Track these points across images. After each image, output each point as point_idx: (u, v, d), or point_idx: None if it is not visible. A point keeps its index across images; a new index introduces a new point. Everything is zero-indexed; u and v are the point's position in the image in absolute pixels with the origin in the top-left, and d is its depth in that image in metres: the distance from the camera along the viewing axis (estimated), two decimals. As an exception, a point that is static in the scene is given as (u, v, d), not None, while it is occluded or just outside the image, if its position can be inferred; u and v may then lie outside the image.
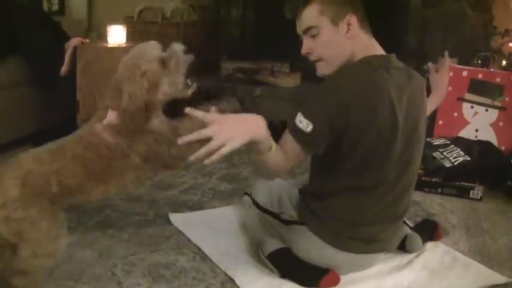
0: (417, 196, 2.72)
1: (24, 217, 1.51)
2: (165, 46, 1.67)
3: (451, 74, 3.45)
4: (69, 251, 1.82)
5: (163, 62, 1.59)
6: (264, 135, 1.50)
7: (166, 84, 1.60)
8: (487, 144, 3.10)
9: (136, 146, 1.63)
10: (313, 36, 1.73)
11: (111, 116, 1.60)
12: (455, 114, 3.43)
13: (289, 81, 3.85)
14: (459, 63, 3.65)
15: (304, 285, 1.79)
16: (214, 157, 1.36)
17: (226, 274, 1.84)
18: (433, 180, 2.82)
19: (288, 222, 1.88)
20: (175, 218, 2.26)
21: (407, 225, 2.11)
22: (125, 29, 3.45)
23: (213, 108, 1.48)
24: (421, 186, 2.80)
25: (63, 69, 3.14)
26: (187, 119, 1.62)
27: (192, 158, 1.35)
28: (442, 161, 2.88)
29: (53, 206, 1.57)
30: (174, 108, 1.73)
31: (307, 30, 1.73)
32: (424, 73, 2.13)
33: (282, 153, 1.60)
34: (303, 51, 1.77)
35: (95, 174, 1.63)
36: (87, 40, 3.31)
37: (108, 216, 2.27)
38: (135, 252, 1.97)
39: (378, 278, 1.88)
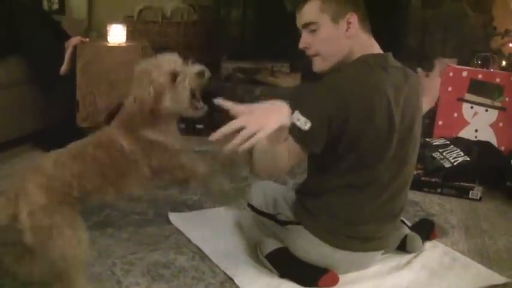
0: (417, 196, 2.72)
1: (51, 224, 1.52)
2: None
3: (451, 74, 3.46)
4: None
5: (174, 77, 1.60)
6: (289, 122, 1.47)
7: (168, 99, 1.62)
8: (486, 144, 3.10)
9: (151, 158, 1.67)
10: (312, 31, 1.73)
11: None
12: (455, 114, 3.43)
13: (289, 81, 3.85)
14: (459, 64, 3.66)
15: (303, 285, 1.79)
16: (246, 145, 1.35)
17: (225, 274, 1.84)
18: (433, 180, 2.82)
19: (284, 223, 1.88)
20: (175, 218, 2.26)
21: (406, 225, 2.11)
22: (125, 29, 3.45)
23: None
24: (420, 186, 2.80)
25: (63, 68, 3.14)
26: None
27: (227, 148, 1.35)
28: (441, 161, 2.88)
29: (73, 210, 1.58)
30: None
31: (306, 25, 1.73)
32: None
33: (287, 149, 1.60)
34: (301, 45, 1.77)
35: (110, 178, 1.65)
36: (87, 39, 3.31)
37: (107, 215, 2.27)
38: (135, 252, 1.97)
39: (377, 278, 1.88)
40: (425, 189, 2.81)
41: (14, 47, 3.18)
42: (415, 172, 2.80)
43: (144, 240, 2.06)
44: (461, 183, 2.78)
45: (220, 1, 4.40)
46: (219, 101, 1.38)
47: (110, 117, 3.35)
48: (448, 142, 3.07)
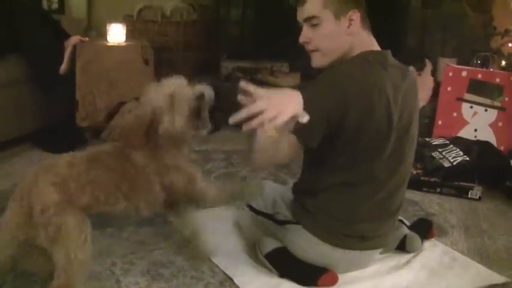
0: (416, 196, 2.73)
1: (62, 223, 1.53)
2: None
3: (451, 74, 3.46)
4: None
5: (172, 100, 1.63)
6: (301, 111, 1.46)
7: (166, 122, 1.64)
8: (486, 144, 3.10)
9: (163, 176, 1.70)
10: (313, 26, 1.72)
11: None
12: (455, 114, 3.44)
13: (288, 80, 3.86)
14: (459, 63, 3.66)
15: (302, 285, 1.79)
16: (266, 128, 1.36)
17: (224, 273, 1.85)
18: (432, 180, 2.82)
19: (282, 223, 1.88)
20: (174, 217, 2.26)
21: (405, 224, 2.11)
22: (125, 28, 3.46)
23: None
24: (420, 186, 2.80)
25: (63, 67, 3.14)
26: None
27: (244, 128, 1.36)
28: (441, 160, 2.88)
29: (81, 211, 1.60)
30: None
31: (308, 19, 1.73)
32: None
33: (288, 141, 1.60)
34: (301, 39, 1.77)
35: (121, 189, 1.66)
36: (87, 38, 3.31)
37: (106, 215, 2.26)
38: (134, 251, 1.97)
39: (377, 278, 1.88)
40: (424, 189, 2.81)
41: (13, 47, 3.17)
42: (414, 172, 2.83)
43: (143, 239, 2.06)
44: (460, 183, 2.78)
45: (220, 0, 4.40)
46: (243, 84, 1.40)
47: (110, 116, 3.36)
48: (447, 142, 3.07)
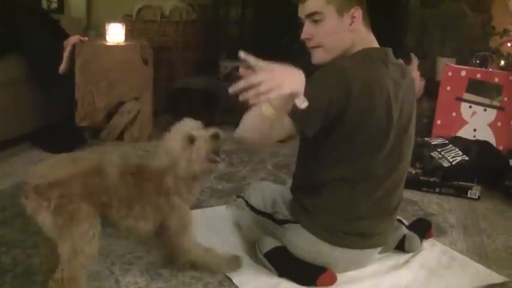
0: (415, 196, 2.73)
1: (73, 211, 1.54)
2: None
3: (450, 73, 3.46)
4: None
5: (191, 141, 1.65)
6: (301, 90, 1.44)
7: (183, 162, 1.65)
8: (485, 144, 3.11)
9: (164, 213, 1.72)
10: (316, 22, 1.72)
11: None
12: (454, 114, 3.44)
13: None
14: (458, 63, 3.67)
15: (301, 284, 1.79)
16: (262, 99, 1.36)
17: (224, 273, 1.85)
18: (431, 179, 2.82)
19: (281, 222, 1.88)
20: (174, 217, 2.26)
21: (404, 224, 2.11)
22: (124, 27, 3.46)
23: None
24: (419, 185, 2.81)
25: (62, 67, 3.14)
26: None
27: (241, 97, 1.36)
28: (440, 160, 2.89)
29: (95, 208, 1.61)
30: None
31: (310, 15, 1.72)
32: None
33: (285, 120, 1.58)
34: (303, 36, 1.76)
35: (133, 209, 1.68)
36: (86, 38, 3.32)
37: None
38: (133, 251, 1.97)
39: (376, 277, 1.88)
40: (423, 189, 2.81)
41: (13, 46, 3.18)
42: (413, 171, 2.83)
43: (142, 239, 2.06)
44: (459, 183, 2.78)
45: (219, 0, 4.40)
46: (243, 55, 1.39)
47: (109, 116, 3.37)
48: (446, 141, 3.07)
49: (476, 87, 3.40)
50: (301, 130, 1.62)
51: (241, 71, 1.40)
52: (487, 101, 3.37)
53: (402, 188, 1.87)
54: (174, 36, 4.03)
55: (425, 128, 3.46)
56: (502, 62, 3.54)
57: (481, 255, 2.11)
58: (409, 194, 2.68)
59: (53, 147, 2.99)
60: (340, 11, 1.70)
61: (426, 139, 3.16)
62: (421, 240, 2.10)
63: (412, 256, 2.04)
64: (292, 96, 1.40)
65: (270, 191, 2.01)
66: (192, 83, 4.05)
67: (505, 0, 3.59)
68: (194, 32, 4.18)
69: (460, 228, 2.37)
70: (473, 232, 2.34)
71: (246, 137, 1.62)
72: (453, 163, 2.85)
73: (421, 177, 2.84)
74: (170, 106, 3.89)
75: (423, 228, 2.19)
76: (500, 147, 3.26)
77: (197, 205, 2.41)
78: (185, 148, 1.65)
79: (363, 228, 1.77)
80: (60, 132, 3.15)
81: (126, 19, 3.92)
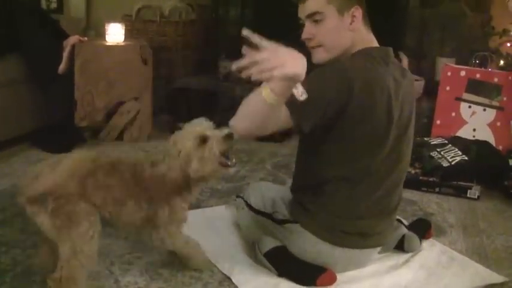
0: (415, 195, 2.73)
1: (72, 212, 1.54)
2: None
3: (449, 73, 3.46)
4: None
5: (203, 141, 1.62)
6: (302, 76, 1.42)
7: (196, 162, 1.62)
8: (484, 144, 3.11)
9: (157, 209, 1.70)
10: (316, 22, 1.73)
11: None
12: (453, 113, 3.44)
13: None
14: (457, 63, 3.67)
15: (301, 284, 1.79)
16: (265, 75, 1.35)
17: (223, 273, 1.84)
18: (431, 179, 2.83)
19: (281, 222, 1.88)
20: (173, 217, 2.26)
21: (404, 224, 2.11)
22: (123, 27, 3.46)
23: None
24: (418, 185, 2.81)
25: (61, 67, 3.14)
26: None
27: (244, 74, 1.37)
28: (439, 160, 2.89)
29: (93, 207, 1.61)
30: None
31: (311, 15, 1.73)
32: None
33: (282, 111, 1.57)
34: (304, 36, 1.77)
35: (127, 206, 1.67)
36: (86, 38, 3.32)
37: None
38: (133, 251, 1.97)
39: (375, 277, 1.88)
40: (423, 189, 2.81)
41: (13, 46, 3.18)
42: (413, 171, 2.83)
43: (142, 239, 2.06)
44: (459, 183, 2.78)
45: (219, 0, 4.40)
46: (247, 32, 1.39)
47: (108, 116, 3.37)
48: (446, 141, 3.07)
49: (475, 87, 3.40)
50: (297, 123, 1.60)
51: (245, 49, 1.38)
52: (486, 101, 3.38)
53: (401, 188, 1.88)
54: (174, 36, 4.02)
55: (425, 127, 3.46)
56: (502, 62, 3.54)
57: (480, 255, 2.11)
58: (408, 194, 2.69)
59: (52, 147, 2.99)
60: (340, 10, 1.71)
61: (425, 139, 3.16)
62: (420, 240, 2.10)
63: (412, 256, 2.04)
64: (294, 79, 1.40)
65: (269, 191, 2.01)
66: (192, 83, 4.05)
67: (504, 0, 3.58)
68: (193, 32, 4.18)
69: (459, 228, 2.37)
70: (473, 232, 2.34)
71: (242, 125, 1.58)
72: (452, 163, 2.85)
73: (421, 177, 2.84)
74: (169, 106, 3.89)
75: (423, 228, 2.19)
76: (500, 147, 3.26)
77: (197, 205, 2.42)
78: (197, 148, 1.61)
79: (362, 228, 1.78)
80: (60, 132, 3.15)
81: (125, 19, 3.92)
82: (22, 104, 3.21)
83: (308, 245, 1.79)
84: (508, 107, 3.33)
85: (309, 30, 1.75)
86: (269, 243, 1.88)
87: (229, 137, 1.62)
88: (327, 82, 1.61)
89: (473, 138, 3.22)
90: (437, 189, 2.80)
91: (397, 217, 2.02)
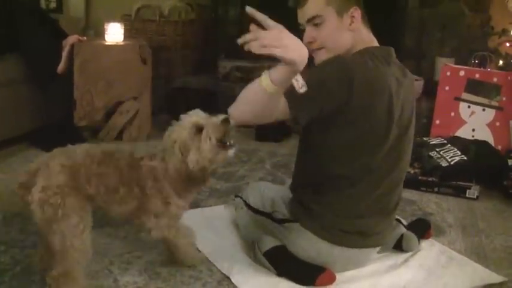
0: (414, 195, 2.73)
1: (60, 204, 1.53)
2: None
3: (448, 73, 3.46)
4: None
5: (199, 130, 1.60)
6: (300, 65, 1.43)
7: (194, 152, 1.59)
8: (483, 143, 3.11)
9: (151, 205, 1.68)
10: (317, 25, 1.74)
11: None
12: (452, 113, 3.44)
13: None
14: (456, 63, 3.67)
15: (300, 284, 1.79)
16: (263, 50, 1.36)
17: (222, 272, 1.84)
18: (430, 179, 2.83)
19: (281, 221, 1.88)
20: (172, 216, 2.26)
21: (402, 224, 2.12)
22: (123, 27, 3.46)
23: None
24: (417, 185, 2.81)
25: (61, 66, 3.14)
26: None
27: (245, 48, 1.37)
28: (438, 160, 2.89)
29: (84, 201, 1.60)
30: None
31: (311, 19, 1.74)
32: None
33: (279, 101, 1.57)
34: (306, 40, 1.77)
35: (118, 195, 1.65)
36: (85, 38, 3.32)
37: (104, 214, 2.26)
38: (132, 250, 1.97)
39: (374, 277, 1.88)
40: (422, 188, 2.81)
41: (12, 46, 3.17)
42: (412, 171, 2.83)
43: (141, 238, 2.06)
44: (458, 183, 2.79)
45: (218, 0, 4.39)
46: (250, 9, 1.40)
47: (108, 116, 3.37)
48: (445, 141, 3.07)
49: (474, 87, 3.41)
50: (294, 115, 1.61)
51: (252, 26, 1.39)
52: (485, 101, 3.38)
53: (401, 188, 1.88)
54: (173, 36, 4.02)
55: (424, 127, 3.46)
56: (501, 62, 3.54)
57: (479, 255, 2.11)
58: (407, 194, 2.69)
59: (51, 147, 2.98)
60: (339, 12, 1.72)
61: (425, 139, 3.16)
62: (419, 240, 2.10)
63: (411, 256, 2.04)
64: (292, 67, 1.41)
65: (268, 191, 2.01)
66: (191, 82, 4.05)
67: (503, 0, 3.59)
68: (193, 32, 4.18)
69: (458, 228, 2.37)
70: (472, 232, 2.34)
71: (240, 113, 1.59)
72: (452, 163, 2.85)
73: (420, 177, 2.84)
74: (169, 106, 3.89)
75: (422, 228, 2.20)
76: (499, 147, 3.26)
77: (195, 205, 2.42)
78: (193, 137, 1.59)
79: (362, 227, 1.78)
80: (59, 132, 3.15)
81: (124, 19, 3.92)
82: (21, 103, 3.21)
83: (307, 244, 1.80)
84: (507, 107, 3.33)
85: (310, 34, 1.77)
86: (269, 243, 1.88)
87: (225, 121, 1.60)
88: (328, 76, 1.62)
89: (473, 138, 3.22)
90: (436, 189, 2.80)
91: (396, 217, 2.02)
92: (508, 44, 3.59)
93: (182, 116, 1.67)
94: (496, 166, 2.91)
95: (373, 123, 1.65)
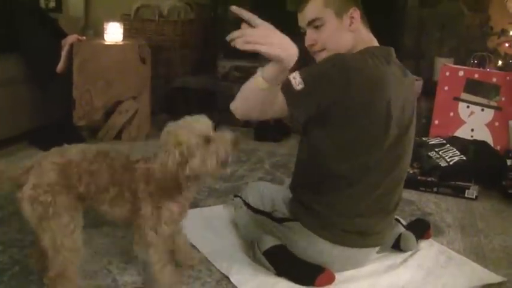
0: (413, 195, 2.73)
1: (50, 202, 1.52)
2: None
3: (447, 73, 3.46)
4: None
5: (208, 141, 1.56)
6: (288, 63, 1.45)
7: (197, 162, 1.55)
8: (482, 144, 3.11)
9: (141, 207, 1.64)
10: (317, 27, 1.76)
11: None
12: (451, 113, 3.44)
13: (285, 79, 3.85)
14: (455, 63, 3.67)
15: (299, 284, 1.79)
16: (247, 47, 1.38)
17: (221, 272, 1.84)
18: (429, 179, 2.83)
19: (281, 220, 1.88)
20: (171, 216, 2.25)
21: (401, 223, 2.12)
22: (122, 27, 3.46)
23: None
24: (416, 185, 2.81)
25: (60, 66, 3.14)
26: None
27: (232, 44, 1.39)
28: (437, 160, 2.89)
29: (76, 200, 1.59)
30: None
31: (311, 22, 1.76)
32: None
33: (276, 97, 1.58)
34: (307, 42, 1.79)
35: (108, 195, 1.63)
36: (84, 37, 3.31)
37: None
38: (131, 250, 1.96)
39: (373, 277, 1.88)
40: (421, 188, 2.81)
41: (12, 46, 3.17)
42: (411, 171, 2.83)
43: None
44: (457, 183, 2.79)
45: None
46: (235, 9, 1.43)
47: (107, 115, 3.37)
48: (444, 141, 3.07)
49: (474, 87, 3.41)
50: (292, 112, 1.63)
51: (243, 25, 1.43)
52: (484, 101, 3.38)
53: (402, 188, 1.88)
54: (172, 36, 4.02)
55: (423, 127, 3.46)
56: (500, 62, 3.54)
57: (478, 255, 2.11)
58: (406, 194, 2.69)
59: (50, 146, 2.98)
60: (338, 13, 1.74)
61: (424, 139, 3.17)
62: (417, 240, 2.10)
63: (410, 256, 2.04)
64: (280, 64, 1.43)
65: (268, 190, 2.02)
66: (190, 82, 4.05)
67: (502, 0, 3.59)
68: (192, 31, 4.18)
69: (457, 228, 2.37)
70: (471, 232, 2.34)
71: (240, 110, 1.62)
72: (451, 163, 2.85)
73: (419, 177, 2.84)
74: (168, 105, 3.89)
75: (421, 228, 2.20)
76: (498, 147, 3.27)
77: (195, 204, 2.41)
78: (201, 147, 1.55)
79: (362, 227, 1.78)
80: (58, 132, 3.15)
81: (124, 18, 3.91)
82: (20, 102, 3.21)
83: (307, 243, 1.80)
84: (506, 107, 3.34)
85: (311, 37, 1.78)
86: (268, 242, 1.88)
87: (237, 143, 1.59)
88: (325, 71, 1.62)
89: (472, 138, 3.23)
90: (435, 189, 2.80)
91: (395, 216, 2.02)
92: (507, 44, 3.60)
93: (188, 119, 1.61)
94: (495, 166, 2.91)
95: (372, 120, 1.66)
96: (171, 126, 1.59)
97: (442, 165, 2.85)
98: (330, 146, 1.72)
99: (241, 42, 1.38)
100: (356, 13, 1.75)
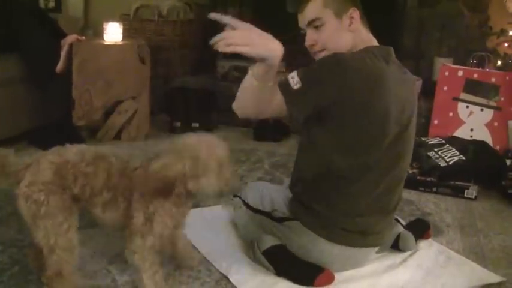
0: (412, 195, 2.73)
1: (43, 201, 1.52)
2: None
3: (447, 73, 3.47)
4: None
5: (221, 167, 1.54)
6: (278, 63, 1.51)
7: (204, 182, 1.54)
8: (482, 144, 3.11)
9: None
10: (317, 28, 1.76)
11: None
12: (451, 113, 3.45)
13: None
14: (455, 63, 3.67)
15: (299, 283, 1.79)
16: (228, 49, 1.45)
17: (220, 272, 1.84)
18: (428, 179, 2.83)
19: (280, 220, 1.88)
20: (171, 216, 2.25)
21: (401, 223, 2.12)
22: (121, 27, 3.45)
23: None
24: (416, 185, 2.81)
25: (59, 66, 3.14)
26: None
27: (214, 47, 1.45)
28: (437, 160, 2.89)
29: (71, 200, 1.59)
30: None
31: (311, 22, 1.77)
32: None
33: (274, 96, 1.61)
34: (307, 43, 1.80)
35: (102, 199, 1.62)
36: (83, 37, 3.31)
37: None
38: (130, 250, 1.96)
39: (373, 277, 1.88)
40: (420, 188, 2.81)
41: (12, 46, 3.17)
42: (410, 171, 2.83)
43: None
44: (456, 183, 2.79)
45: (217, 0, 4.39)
46: (215, 15, 1.48)
47: (106, 115, 3.37)
48: (443, 141, 3.08)
49: (473, 87, 3.41)
50: (291, 112, 1.65)
51: (226, 29, 1.49)
52: (484, 101, 3.38)
53: (402, 188, 1.88)
54: (172, 36, 4.02)
55: (422, 127, 3.46)
56: (499, 62, 3.55)
57: (477, 255, 2.11)
58: (406, 194, 2.69)
59: (50, 146, 2.98)
60: (338, 13, 1.75)
61: (423, 139, 3.17)
62: (416, 240, 2.10)
63: (409, 256, 2.04)
64: (266, 65, 1.49)
65: (267, 190, 2.02)
66: (190, 82, 4.05)
67: (502, 0, 3.59)
68: (192, 32, 4.18)
69: (456, 228, 2.37)
70: (470, 232, 2.34)
71: (240, 108, 1.68)
72: (450, 163, 2.85)
73: (418, 177, 2.84)
74: (167, 105, 3.89)
75: (421, 228, 2.20)
76: (497, 147, 3.27)
77: (194, 204, 2.40)
78: (213, 171, 1.53)
79: (362, 226, 1.78)
80: (57, 132, 3.15)
81: (123, 18, 3.91)
82: (20, 102, 3.20)
83: (307, 242, 1.80)
84: (505, 107, 3.34)
85: (311, 37, 1.79)
86: (268, 242, 1.88)
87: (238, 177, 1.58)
88: (324, 71, 1.63)
89: (471, 138, 3.23)
90: (434, 189, 2.81)
91: (395, 216, 2.02)
92: (506, 44, 3.60)
93: (209, 138, 1.58)
94: (494, 166, 2.92)
95: (371, 120, 1.65)
96: (191, 139, 1.57)
97: (441, 165, 2.85)
98: (330, 146, 1.72)
99: (223, 45, 1.44)
100: (355, 13, 1.75)
